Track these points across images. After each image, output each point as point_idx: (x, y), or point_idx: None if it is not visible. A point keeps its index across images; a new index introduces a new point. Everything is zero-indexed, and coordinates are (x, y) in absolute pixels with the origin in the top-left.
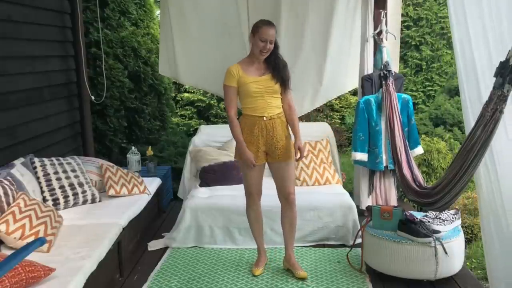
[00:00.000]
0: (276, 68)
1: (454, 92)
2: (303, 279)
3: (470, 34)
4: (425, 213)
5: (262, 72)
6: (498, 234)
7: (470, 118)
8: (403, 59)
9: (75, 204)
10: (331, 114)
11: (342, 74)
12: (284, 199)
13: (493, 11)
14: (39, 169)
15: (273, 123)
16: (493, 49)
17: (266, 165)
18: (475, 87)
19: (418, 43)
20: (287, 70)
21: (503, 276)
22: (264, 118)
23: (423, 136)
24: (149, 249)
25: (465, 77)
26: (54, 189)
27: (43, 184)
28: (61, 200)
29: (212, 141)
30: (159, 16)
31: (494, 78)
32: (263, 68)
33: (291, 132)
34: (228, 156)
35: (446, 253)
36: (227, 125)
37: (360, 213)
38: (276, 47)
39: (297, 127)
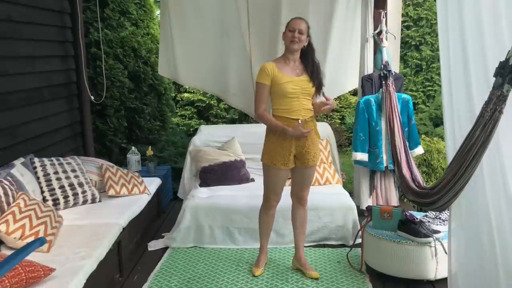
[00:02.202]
0: (315, 71)
1: None
2: (315, 279)
3: (449, 41)
4: (425, 213)
5: (297, 73)
6: (466, 239)
7: (447, 122)
8: (403, 59)
9: (75, 204)
10: (331, 114)
11: (342, 74)
12: (297, 199)
13: (474, 12)
14: (39, 169)
15: (307, 127)
16: (471, 53)
17: None
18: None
19: (418, 43)
20: (321, 75)
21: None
22: (299, 121)
23: (423, 136)
24: (149, 249)
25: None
26: (54, 189)
27: (43, 184)
28: (61, 200)
29: (212, 141)
30: (159, 16)
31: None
32: (299, 69)
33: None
34: (228, 156)
35: (446, 253)
36: (227, 125)
37: (360, 213)
38: (314, 50)
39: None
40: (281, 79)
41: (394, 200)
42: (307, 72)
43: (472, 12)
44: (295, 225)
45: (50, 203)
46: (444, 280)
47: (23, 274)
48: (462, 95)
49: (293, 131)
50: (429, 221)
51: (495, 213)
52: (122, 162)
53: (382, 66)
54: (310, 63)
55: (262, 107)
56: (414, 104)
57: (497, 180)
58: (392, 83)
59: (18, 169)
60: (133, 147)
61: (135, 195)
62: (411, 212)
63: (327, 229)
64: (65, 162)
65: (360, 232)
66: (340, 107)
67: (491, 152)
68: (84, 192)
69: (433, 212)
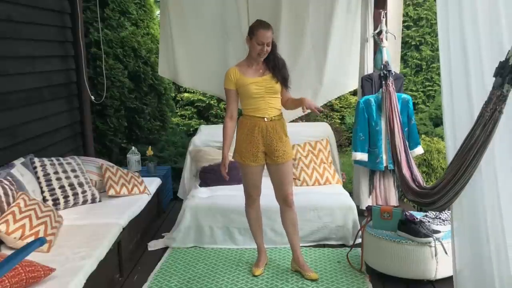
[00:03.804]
0: (276, 67)
1: None
2: (314, 280)
3: (449, 41)
4: (425, 213)
5: (261, 73)
6: (468, 237)
7: (447, 122)
8: (403, 59)
9: (75, 204)
10: (331, 114)
11: (343, 75)
12: (283, 201)
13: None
14: (39, 169)
15: (274, 125)
16: (470, 53)
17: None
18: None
19: (418, 43)
20: (286, 69)
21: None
22: (265, 119)
23: (423, 136)
24: (149, 249)
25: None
26: (54, 189)
27: (43, 184)
28: (61, 200)
29: (212, 141)
30: (159, 16)
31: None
32: (262, 69)
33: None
34: (228, 156)
35: (446, 253)
36: None
37: (360, 213)
38: (274, 46)
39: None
40: (245, 81)
41: (393, 200)
42: (270, 69)
43: (471, 11)
44: (286, 228)
45: (50, 203)
46: (444, 280)
47: (23, 274)
48: (462, 95)
49: (222, 160)
50: (429, 221)
51: (491, 213)
52: (122, 162)
53: (382, 66)
54: (271, 60)
55: (229, 113)
56: (414, 104)
57: (492, 181)
58: (392, 83)
59: (18, 169)
60: (133, 147)
61: (135, 195)
62: (411, 212)
63: (327, 229)
64: (65, 162)
65: (360, 232)
66: (340, 107)
67: (488, 152)
68: (84, 192)
69: (433, 212)
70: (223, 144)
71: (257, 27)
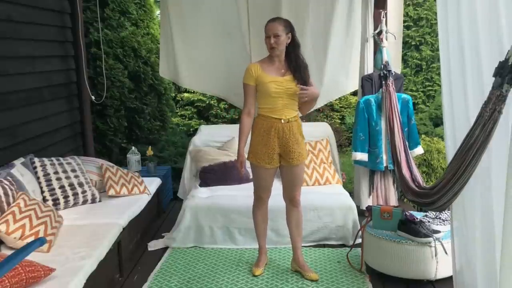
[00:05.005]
0: (298, 69)
1: None
2: (314, 281)
3: (449, 43)
4: (425, 213)
5: (282, 72)
6: (468, 237)
7: (447, 121)
8: (403, 59)
9: (75, 204)
10: (331, 114)
11: (343, 75)
12: (289, 200)
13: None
14: (39, 169)
15: (290, 126)
16: (469, 53)
17: None
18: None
19: (418, 43)
20: (307, 71)
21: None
22: (282, 121)
23: (423, 136)
24: (149, 249)
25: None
26: (54, 189)
27: (43, 184)
28: (61, 200)
29: (212, 141)
30: (159, 16)
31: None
32: (284, 68)
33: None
34: (228, 156)
35: (446, 253)
36: (227, 125)
37: (360, 213)
38: (297, 46)
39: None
40: (265, 79)
41: (393, 200)
42: (291, 70)
43: (470, 11)
44: (290, 227)
45: (50, 203)
46: (444, 280)
47: (23, 274)
48: (461, 95)
49: (238, 157)
50: (429, 221)
51: (481, 212)
52: (122, 162)
53: (382, 66)
54: (292, 61)
55: (246, 109)
56: (414, 104)
57: (487, 181)
58: (392, 83)
59: (18, 169)
60: (133, 147)
61: (135, 195)
62: (411, 212)
63: (327, 229)
64: (65, 162)
65: (360, 232)
66: (340, 107)
67: (486, 152)
68: (84, 192)
69: (433, 212)
70: (239, 140)
71: (267, 22)
